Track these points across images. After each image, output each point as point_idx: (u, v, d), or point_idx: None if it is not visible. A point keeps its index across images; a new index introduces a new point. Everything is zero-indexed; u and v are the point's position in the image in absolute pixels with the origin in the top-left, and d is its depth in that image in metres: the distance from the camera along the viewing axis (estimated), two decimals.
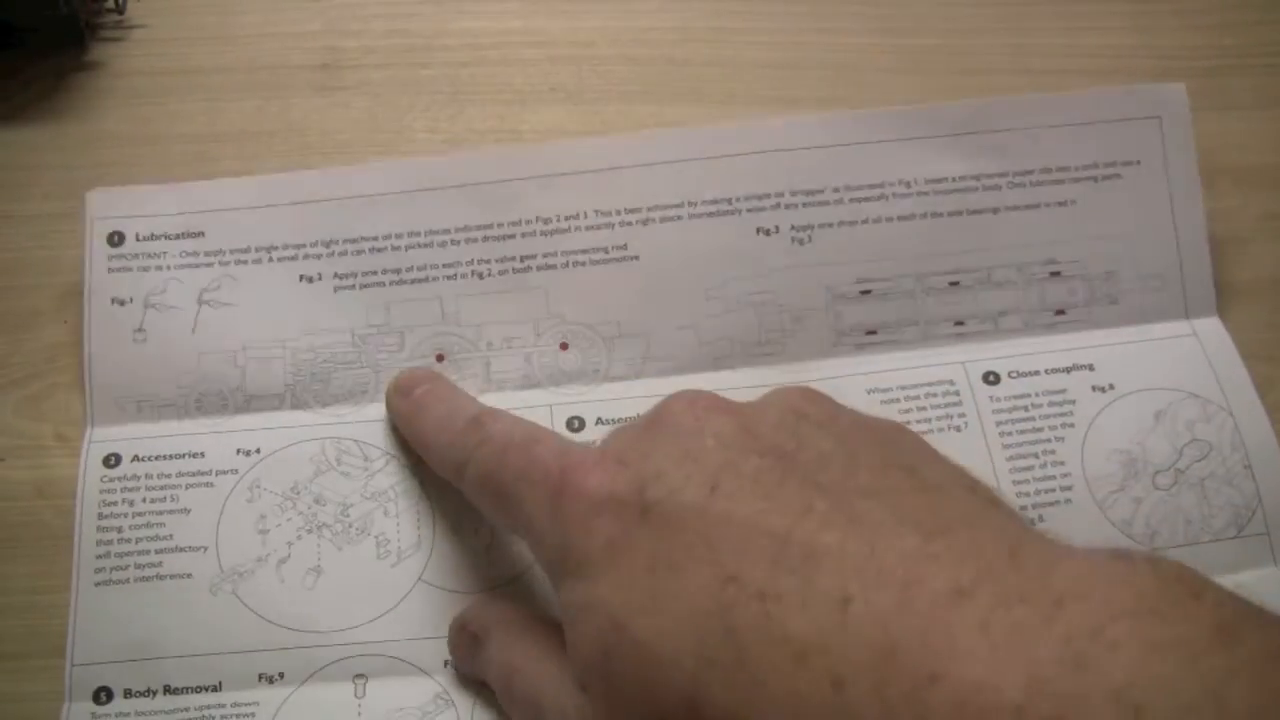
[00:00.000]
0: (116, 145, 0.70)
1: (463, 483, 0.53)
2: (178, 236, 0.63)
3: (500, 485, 0.50)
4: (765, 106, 0.71)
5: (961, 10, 0.75)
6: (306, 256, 0.63)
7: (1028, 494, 0.60)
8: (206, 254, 0.63)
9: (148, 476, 0.60)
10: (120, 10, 0.74)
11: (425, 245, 0.64)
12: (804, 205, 0.64)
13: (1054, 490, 0.60)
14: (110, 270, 0.63)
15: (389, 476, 0.60)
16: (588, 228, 0.64)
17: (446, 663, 0.56)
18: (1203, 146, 0.66)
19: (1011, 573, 0.36)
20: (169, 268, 0.63)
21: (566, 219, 0.64)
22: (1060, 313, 0.64)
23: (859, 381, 0.63)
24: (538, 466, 0.48)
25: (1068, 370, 0.63)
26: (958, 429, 0.61)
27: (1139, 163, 0.65)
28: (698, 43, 0.74)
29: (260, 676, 0.56)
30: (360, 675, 0.56)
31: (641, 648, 0.41)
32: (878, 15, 0.75)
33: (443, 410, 0.57)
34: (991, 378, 0.63)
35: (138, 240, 0.63)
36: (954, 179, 0.65)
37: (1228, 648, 0.33)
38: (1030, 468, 0.60)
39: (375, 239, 0.63)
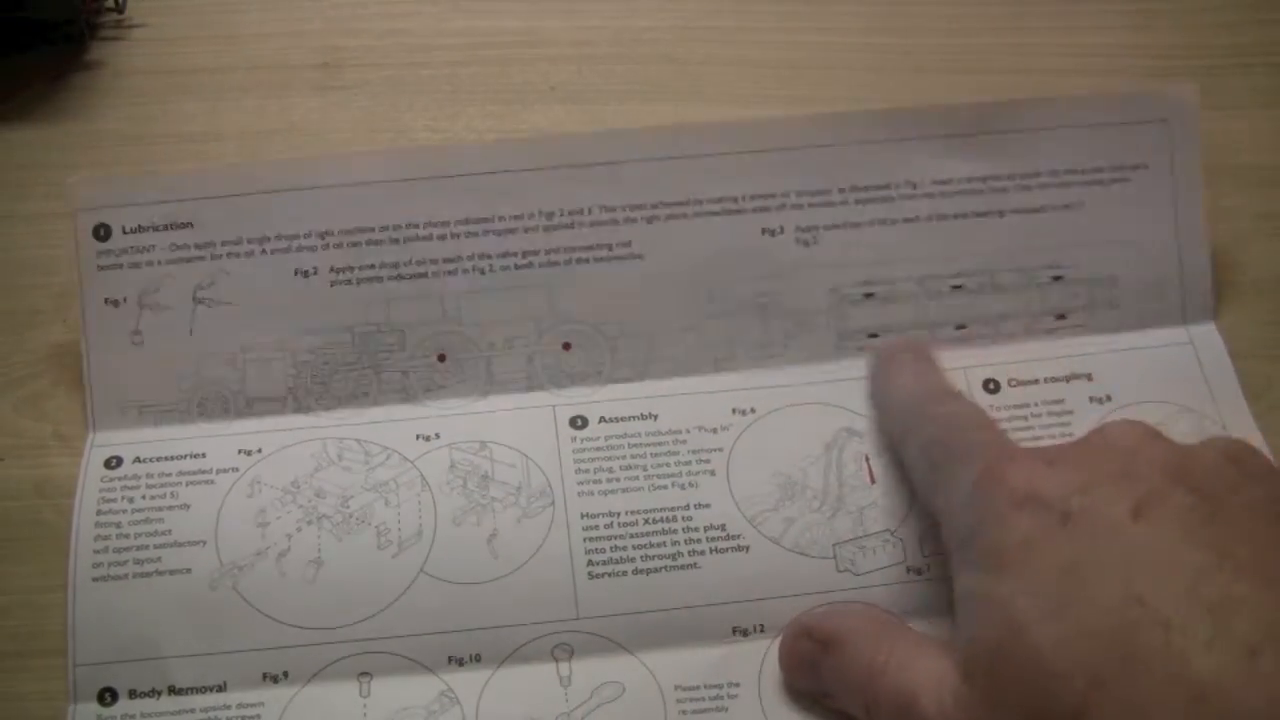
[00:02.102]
0: (116, 145, 0.70)
1: (906, 445, 0.57)
2: (165, 228, 0.63)
3: (938, 454, 0.52)
4: (765, 106, 0.72)
5: (961, 10, 0.76)
6: (300, 249, 0.63)
7: None
8: (197, 246, 0.63)
9: (148, 475, 0.60)
10: (120, 10, 0.75)
11: (424, 238, 0.64)
12: (810, 205, 0.65)
13: None
14: (101, 267, 0.63)
15: (390, 469, 0.61)
16: (591, 223, 0.64)
17: (450, 659, 0.56)
18: (1203, 146, 0.67)
19: None
20: (159, 262, 0.63)
21: (570, 214, 0.64)
22: (1061, 317, 0.65)
23: (862, 385, 0.63)
24: (977, 448, 0.50)
25: (1066, 380, 0.64)
26: None
27: (1146, 167, 0.66)
28: (697, 42, 0.75)
29: (265, 676, 0.56)
30: (365, 673, 0.56)
31: (1036, 655, 0.41)
32: (876, 15, 0.76)
33: (911, 379, 0.59)
34: (991, 385, 0.63)
35: (125, 233, 0.63)
36: (961, 180, 0.65)
37: None
38: None
39: (372, 230, 0.63)
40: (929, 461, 0.53)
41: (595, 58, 0.75)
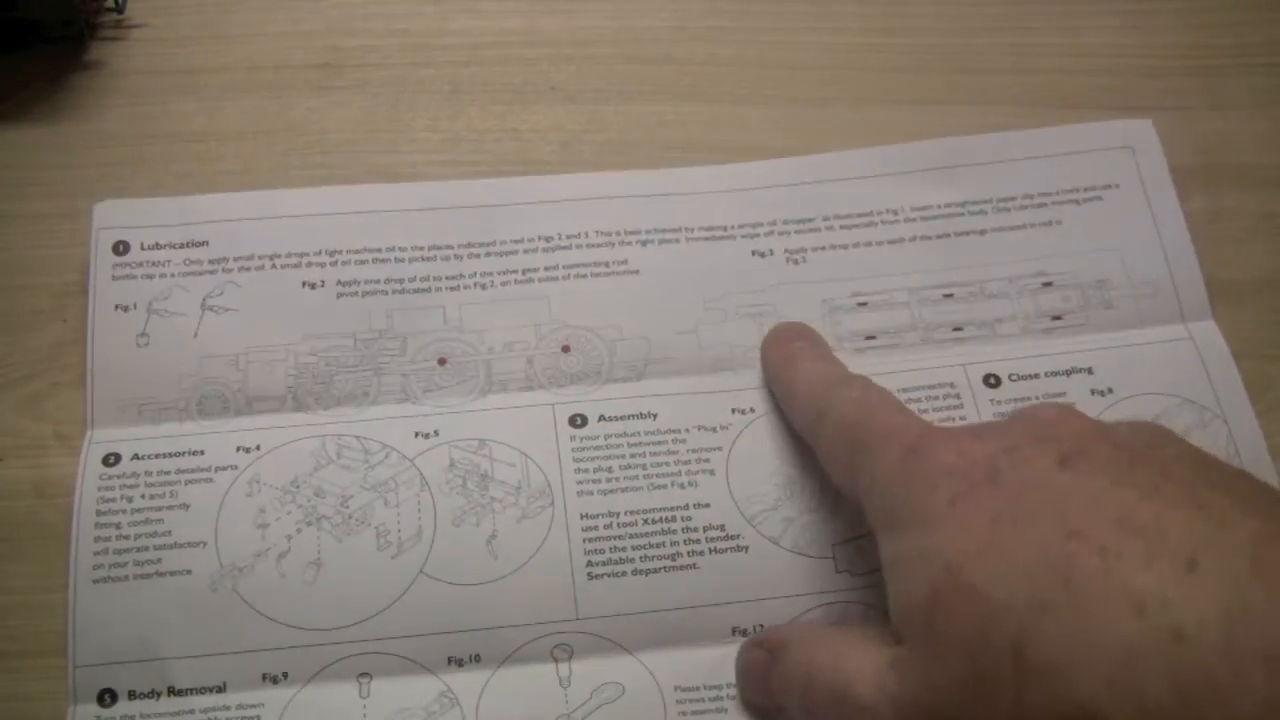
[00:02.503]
0: (116, 145, 0.70)
1: (818, 428, 0.56)
2: (182, 246, 0.64)
3: (858, 435, 0.52)
4: (764, 105, 0.72)
5: (961, 10, 0.76)
6: (309, 264, 0.65)
7: None
8: (210, 262, 0.64)
9: (147, 474, 0.60)
10: (120, 10, 0.74)
11: (429, 259, 0.65)
12: (796, 232, 0.67)
13: None
14: (115, 278, 0.64)
15: (389, 468, 0.61)
16: (589, 245, 0.66)
17: (450, 660, 0.57)
18: (1202, 146, 0.68)
19: None
20: (173, 275, 0.64)
21: (568, 238, 0.66)
22: (1057, 318, 0.66)
23: None
24: (899, 427, 0.51)
25: (1067, 374, 0.64)
26: None
27: (1118, 186, 0.68)
28: (697, 42, 0.75)
29: (264, 676, 0.56)
30: (364, 674, 0.56)
31: (973, 591, 0.42)
32: (877, 15, 0.76)
33: (817, 365, 0.60)
34: (992, 380, 0.64)
35: (142, 249, 0.64)
36: (939, 206, 0.68)
37: None
38: None
39: (379, 250, 0.65)
40: (848, 444, 0.53)
41: (595, 58, 0.75)
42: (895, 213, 0.67)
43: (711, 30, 0.76)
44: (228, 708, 0.56)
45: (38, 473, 0.61)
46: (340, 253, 0.65)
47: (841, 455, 0.54)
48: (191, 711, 0.55)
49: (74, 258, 0.66)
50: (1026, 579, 0.41)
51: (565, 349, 0.64)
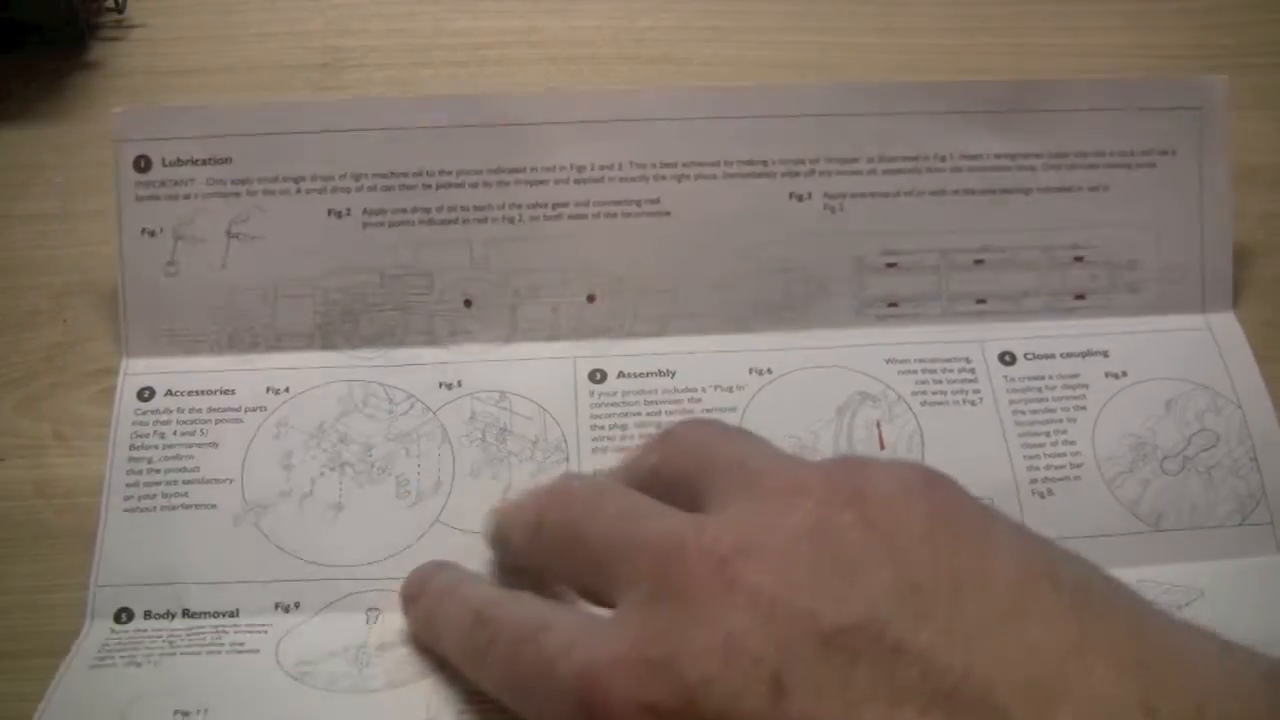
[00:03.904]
0: None
1: (486, 690, 0.48)
2: (204, 162, 0.63)
3: (523, 695, 0.45)
4: None
5: (961, 10, 0.75)
6: (335, 189, 0.63)
7: (1038, 469, 0.61)
8: (234, 182, 0.63)
9: (179, 411, 0.61)
10: (120, 10, 0.74)
11: (456, 185, 0.64)
12: (838, 173, 0.65)
13: (1064, 467, 0.61)
14: (139, 198, 0.63)
15: (412, 420, 0.61)
16: (622, 179, 0.64)
17: None
18: None
19: None
20: (197, 196, 0.63)
21: (601, 168, 0.64)
22: (1080, 297, 0.65)
23: (878, 351, 0.64)
24: (554, 672, 0.42)
25: (1083, 355, 0.64)
26: (972, 404, 0.62)
27: (1174, 153, 0.66)
28: (697, 42, 0.74)
29: (277, 605, 0.57)
30: (373, 609, 0.56)
31: None
32: (877, 14, 0.75)
33: (451, 609, 0.51)
34: (1007, 358, 0.64)
35: (164, 165, 0.63)
36: (989, 156, 0.65)
37: None
38: (1041, 445, 0.61)
39: (405, 175, 0.64)
40: (517, 700, 0.46)
41: (595, 58, 0.74)
42: (943, 159, 0.65)
43: (711, 30, 0.75)
44: (238, 625, 0.56)
45: (38, 473, 0.60)
46: (366, 176, 0.64)
47: (521, 704, 0.46)
48: (202, 630, 0.56)
49: (74, 257, 0.66)
50: None
51: (591, 299, 0.64)
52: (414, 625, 0.54)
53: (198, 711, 0.51)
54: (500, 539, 0.54)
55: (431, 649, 0.53)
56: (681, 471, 0.47)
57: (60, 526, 0.58)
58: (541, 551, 0.50)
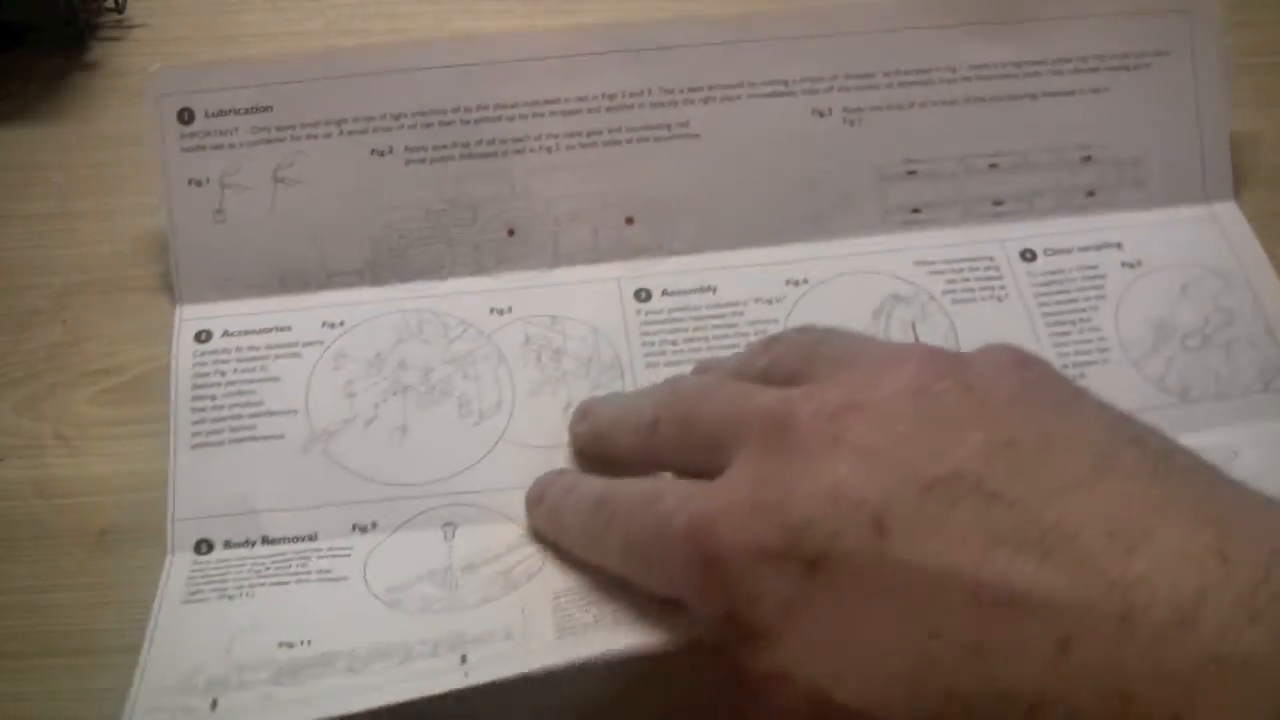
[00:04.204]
0: (116, 145, 0.70)
1: (608, 566, 0.50)
2: (246, 111, 0.64)
3: (641, 561, 0.47)
4: None
5: None
6: (376, 130, 0.65)
7: (1067, 354, 0.63)
8: (277, 129, 0.65)
9: (238, 350, 0.62)
10: (120, 10, 0.74)
11: (494, 119, 0.65)
12: (856, 89, 0.67)
13: (1091, 351, 0.63)
14: (184, 150, 0.64)
15: (468, 343, 0.63)
16: (652, 104, 0.66)
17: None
18: None
19: (1229, 579, 0.34)
20: (241, 145, 0.64)
21: (631, 95, 0.66)
22: (1091, 194, 0.68)
23: (906, 255, 0.66)
24: (669, 528, 0.44)
25: (1098, 248, 0.67)
26: (999, 299, 0.65)
27: (1168, 53, 0.69)
28: None
29: (354, 526, 0.58)
30: (449, 523, 0.58)
31: (857, 717, 0.38)
32: None
33: (572, 502, 0.53)
34: (1028, 255, 0.66)
35: (207, 117, 0.64)
36: (996, 65, 0.68)
37: None
38: (1068, 332, 0.64)
39: (444, 112, 0.65)
40: (638, 569, 0.47)
41: None
42: (953, 70, 0.68)
43: None
44: (319, 549, 0.57)
45: (38, 473, 0.60)
46: (405, 115, 0.65)
47: (646, 583, 0.47)
48: (284, 554, 0.56)
49: (74, 257, 0.66)
50: (907, 696, 0.37)
51: (629, 221, 0.66)
52: (539, 524, 0.56)
53: (301, 642, 0.52)
54: (602, 442, 0.56)
55: (557, 545, 0.55)
56: (791, 371, 0.48)
57: (60, 526, 0.58)
58: (656, 447, 0.51)
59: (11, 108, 0.72)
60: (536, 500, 0.56)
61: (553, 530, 0.55)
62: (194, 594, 0.55)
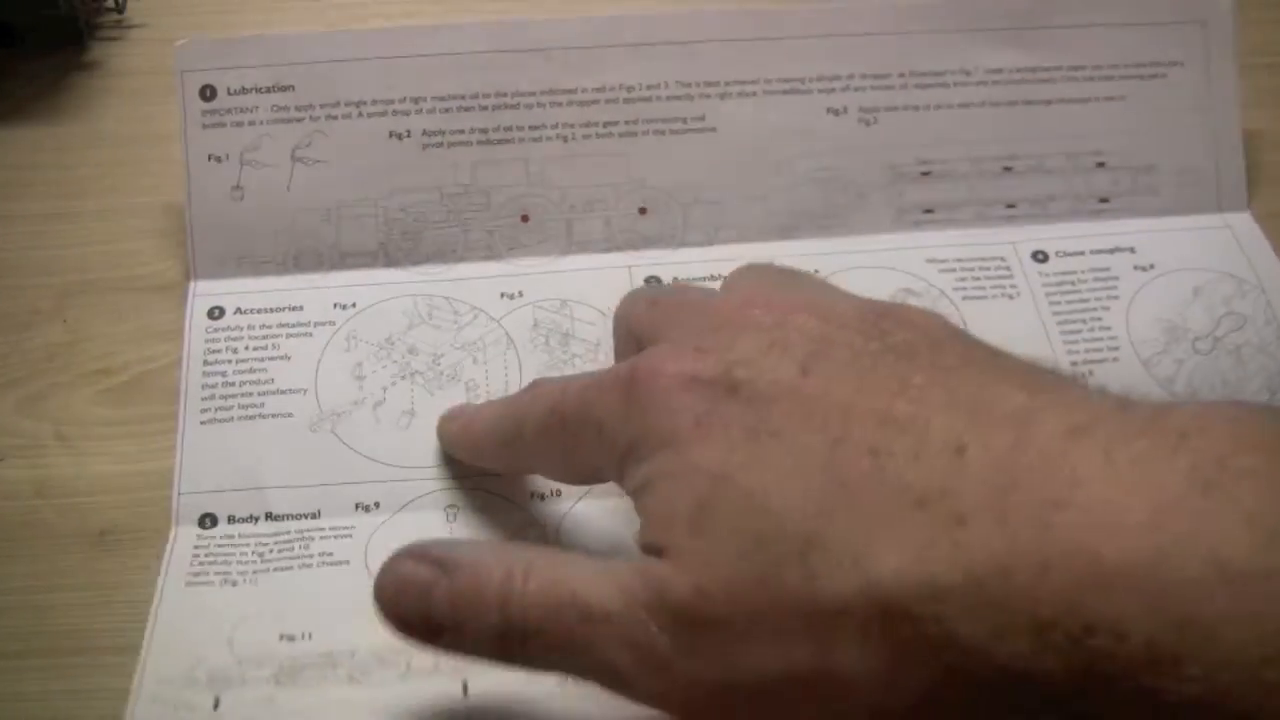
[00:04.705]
0: (116, 145, 0.70)
1: (522, 442, 0.50)
2: (268, 90, 0.65)
3: (564, 408, 0.47)
4: None
5: None
6: (395, 113, 0.65)
7: (1077, 351, 0.63)
8: (297, 108, 0.65)
9: (250, 327, 0.62)
10: (120, 10, 0.75)
11: (512, 106, 0.66)
12: (872, 88, 0.67)
13: (1101, 350, 0.63)
14: (205, 126, 0.64)
15: (477, 329, 0.63)
16: (668, 98, 0.66)
17: (533, 494, 0.58)
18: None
19: (1125, 416, 0.36)
20: (261, 122, 0.65)
21: (648, 88, 0.66)
22: (1104, 200, 0.68)
23: (918, 253, 0.66)
24: (605, 374, 0.46)
25: (1111, 251, 0.67)
26: (1010, 297, 0.65)
27: (1182, 64, 0.69)
28: None
29: (357, 505, 0.58)
30: (452, 506, 0.58)
31: (750, 497, 0.39)
32: None
33: (495, 408, 0.54)
34: (1040, 256, 0.66)
35: (229, 94, 0.65)
36: (1011, 70, 0.68)
37: None
38: (1079, 331, 0.64)
39: (463, 98, 0.66)
40: (559, 422, 0.48)
41: None
42: (968, 74, 0.68)
43: None
44: (322, 529, 0.57)
45: (38, 473, 0.59)
46: (425, 99, 0.65)
47: (556, 446, 0.49)
48: (287, 533, 0.57)
49: (74, 258, 0.66)
50: (803, 486, 0.38)
51: (642, 212, 0.66)
52: (451, 435, 0.58)
53: (302, 635, 0.53)
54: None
55: (467, 449, 0.57)
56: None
57: (60, 526, 0.58)
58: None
59: (11, 108, 0.72)
60: (454, 415, 0.58)
61: (462, 438, 0.57)
62: (197, 575, 0.55)
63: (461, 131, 0.65)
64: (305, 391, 0.61)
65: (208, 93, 0.64)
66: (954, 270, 0.66)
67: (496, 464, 0.56)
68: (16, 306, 0.65)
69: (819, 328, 0.42)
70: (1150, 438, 0.34)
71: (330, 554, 0.56)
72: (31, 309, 0.65)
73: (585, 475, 0.49)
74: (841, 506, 0.37)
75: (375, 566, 0.52)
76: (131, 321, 0.64)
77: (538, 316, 0.63)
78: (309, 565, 0.55)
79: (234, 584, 0.55)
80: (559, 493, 0.58)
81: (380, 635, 0.46)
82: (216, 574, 0.55)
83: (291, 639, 0.53)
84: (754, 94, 0.67)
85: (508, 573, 0.43)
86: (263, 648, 0.52)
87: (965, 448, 0.36)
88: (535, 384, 0.51)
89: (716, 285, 0.62)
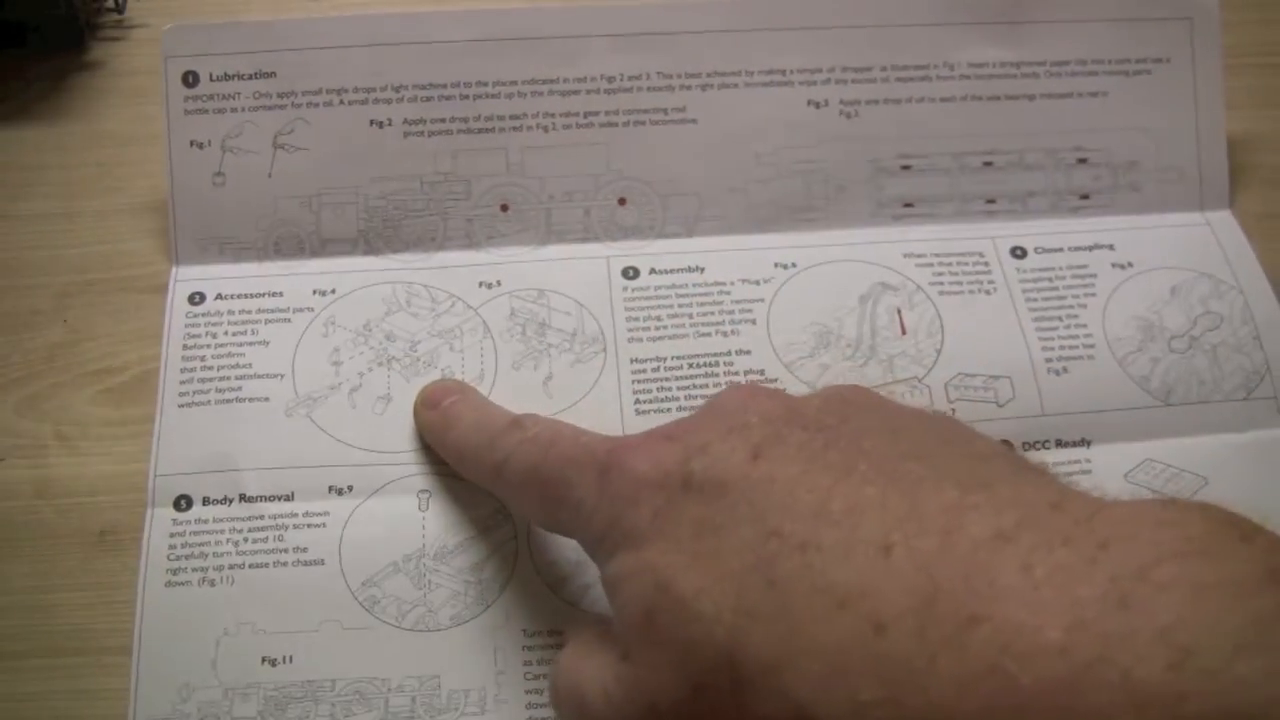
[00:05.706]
0: (116, 145, 0.70)
1: (500, 479, 0.53)
2: (250, 77, 0.65)
3: (546, 474, 0.49)
4: None
5: None
6: (377, 101, 0.65)
7: (1053, 349, 0.63)
8: (279, 95, 0.65)
9: (230, 313, 0.63)
10: (120, 10, 0.74)
11: (493, 96, 0.65)
12: (853, 81, 0.67)
13: (1077, 347, 0.63)
14: (187, 112, 0.64)
15: (455, 317, 0.63)
16: (649, 89, 0.66)
17: None
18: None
19: (1054, 519, 0.36)
20: (243, 109, 0.65)
21: (630, 79, 0.66)
22: (1085, 197, 0.67)
23: (896, 247, 0.66)
24: (585, 451, 0.48)
25: (1090, 249, 0.66)
26: (986, 293, 0.64)
27: (1169, 60, 0.68)
28: None
29: (330, 489, 0.58)
30: (424, 491, 0.58)
31: (682, 605, 0.40)
32: None
33: (476, 417, 0.57)
34: (1019, 252, 0.66)
35: (212, 80, 0.65)
36: (995, 64, 0.67)
37: None
38: (1055, 328, 0.63)
39: (444, 86, 0.65)
40: (538, 488, 0.50)
41: None
42: (951, 67, 0.67)
43: None
44: (294, 514, 0.58)
45: (38, 473, 0.60)
46: (406, 88, 0.65)
47: (534, 500, 0.51)
48: (261, 517, 0.57)
49: (74, 258, 0.66)
50: (733, 588, 0.39)
51: (621, 202, 0.66)
52: (428, 427, 0.59)
53: (283, 659, 0.54)
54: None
55: (439, 449, 0.59)
56: None
57: (60, 526, 0.58)
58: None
59: (11, 108, 0.72)
60: (432, 403, 0.60)
61: (438, 437, 0.59)
62: (175, 574, 0.56)
63: (442, 120, 0.65)
64: (282, 376, 0.61)
65: (190, 79, 0.64)
66: (931, 265, 0.65)
67: (465, 476, 0.58)
68: (16, 306, 0.65)
69: (779, 412, 0.45)
70: (1073, 546, 0.35)
71: (304, 549, 0.57)
72: (31, 309, 0.65)
73: (560, 532, 0.51)
74: (766, 610, 0.38)
75: (350, 572, 0.56)
76: (131, 321, 0.64)
77: (514, 305, 0.63)
78: (284, 564, 0.56)
79: (212, 584, 0.56)
80: None
81: (361, 663, 0.52)
82: (194, 571, 0.56)
83: (274, 663, 0.54)
84: (735, 85, 0.66)
85: (551, 681, 0.48)
86: (247, 674, 0.54)
87: (892, 547, 0.37)
88: (520, 423, 0.53)
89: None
